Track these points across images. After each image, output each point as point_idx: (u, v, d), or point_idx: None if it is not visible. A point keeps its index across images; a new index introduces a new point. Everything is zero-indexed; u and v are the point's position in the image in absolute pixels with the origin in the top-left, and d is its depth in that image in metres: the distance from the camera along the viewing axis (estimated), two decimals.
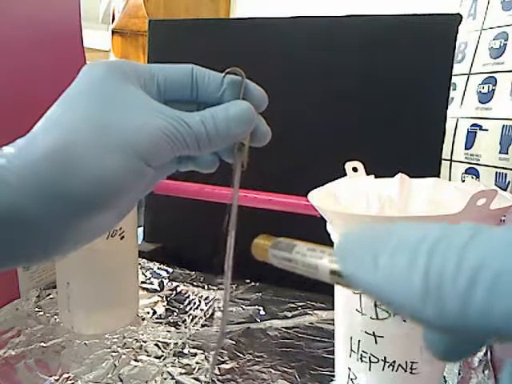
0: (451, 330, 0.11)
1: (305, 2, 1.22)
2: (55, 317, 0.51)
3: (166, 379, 0.41)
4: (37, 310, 0.52)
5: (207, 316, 0.52)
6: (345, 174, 0.39)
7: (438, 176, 0.53)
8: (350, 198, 0.37)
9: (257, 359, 0.44)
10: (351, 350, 0.34)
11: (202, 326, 0.50)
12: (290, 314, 0.53)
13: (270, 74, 0.61)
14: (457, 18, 0.52)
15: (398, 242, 0.12)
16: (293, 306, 0.55)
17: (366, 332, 0.32)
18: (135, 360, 0.44)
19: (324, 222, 0.34)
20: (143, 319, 0.51)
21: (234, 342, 0.47)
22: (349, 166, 0.39)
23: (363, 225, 0.13)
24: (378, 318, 0.31)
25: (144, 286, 0.60)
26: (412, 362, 0.32)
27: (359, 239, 0.13)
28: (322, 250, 0.15)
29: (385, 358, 0.32)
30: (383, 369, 0.32)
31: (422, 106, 0.54)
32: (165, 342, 0.47)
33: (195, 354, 0.45)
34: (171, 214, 0.68)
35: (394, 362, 0.32)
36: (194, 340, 0.47)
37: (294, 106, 0.59)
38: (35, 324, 0.49)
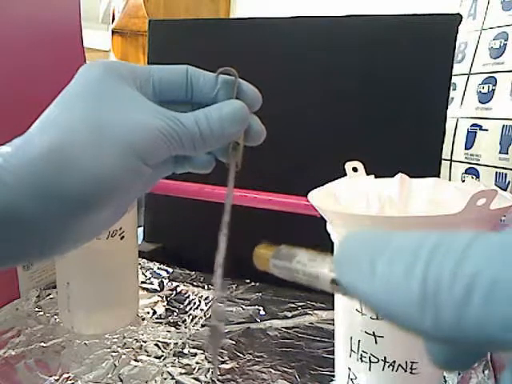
0: (448, 339, 0.11)
1: (305, 2, 1.22)
2: (55, 317, 0.51)
3: (165, 379, 0.41)
4: (37, 310, 0.52)
5: (207, 316, 0.52)
6: (345, 174, 0.39)
7: (438, 176, 0.53)
8: (350, 197, 0.37)
9: (257, 359, 0.44)
10: (351, 349, 0.34)
11: (202, 325, 0.50)
12: (290, 314, 0.53)
13: (270, 74, 0.61)
14: (457, 18, 0.52)
15: (396, 250, 0.11)
16: (293, 306, 0.55)
17: (365, 332, 0.32)
18: (135, 360, 0.44)
19: (324, 221, 0.34)
20: (143, 319, 0.51)
21: (233, 342, 0.47)
22: (349, 165, 0.39)
23: (360, 232, 0.13)
24: (377, 318, 0.31)
25: (144, 285, 0.60)
26: (412, 362, 0.32)
27: (356, 248, 0.13)
28: (323, 259, 0.15)
29: (385, 358, 0.32)
30: (383, 369, 0.32)
31: (422, 106, 0.54)
32: (165, 342, 0.47)
33: (195, 354, 0.45)
34: (171, 214, 0.68)
35: (394, 362, 0.32)
36: (193, 340, 0.47)
37: (294, 105, 0.59)
38: (35, 324, 0.49)
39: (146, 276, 0.62)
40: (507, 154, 0.77)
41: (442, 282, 0.10)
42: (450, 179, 0.89)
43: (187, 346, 0.46)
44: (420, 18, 0.54)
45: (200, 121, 0.23)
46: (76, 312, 0.48)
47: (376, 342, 0.32)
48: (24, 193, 0.20)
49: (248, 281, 0.60)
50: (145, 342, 0.47)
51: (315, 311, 0.53)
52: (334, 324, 0.37)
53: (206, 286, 0.60)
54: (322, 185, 0.37)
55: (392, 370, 0.32)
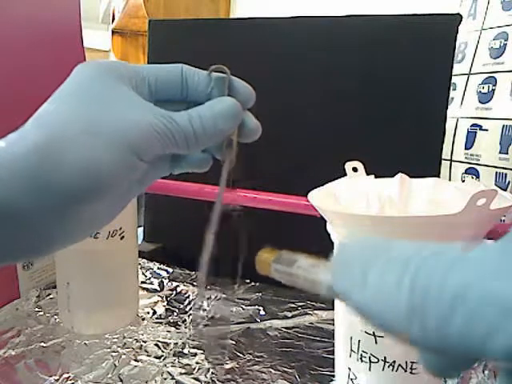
0: (435, 349, 0.11)
1: (305, 2, 1.22)
2: (55, 317, 0.51)
3: (165, 379, 0.41)
4: (37, 310, 0.52)
5: (209, 316, 0.52)
6: (345, 174, 0.39)
7: (438, 176, 0.53)
8: (350, 197, 0.37)
9: (257, 359, 0.44)
10: (351, 349, 0.34)
11: (203, 326, 0.50)
12: (290, 314, 0.53)
13: (270, 74, 0.61)
14: (457, 18, 0.52)
15: (387, 262, 0.12)
16: (293, 305, 0.55)
17: (365, 332, 0.32)
18: (135, 360, 0.44)
19: (324, 221, 0.34)
20: (143, 319, 0.51)
21: (234, 342, 0.47)
22: (349, 165, 0.39)
23: (356, 241, 0.13)
24: None
25: (144, 285, 0.60)
26: (412, 362, 0.32)
27: (350, 258, 0.13)
28: (323, 265, 0.15)
29: (385, 357, 0.32)
30: (383, 369, 0.32)
31: (422, 106, 0.54)
32: (165, 342, 0.47)
33: (195, 354, 0.45)
34: (171, 214, 0.68)
35: (394, 362, 0.32)
36: (194, 340, 0.47)
37: (294, 105, 0.59)
38: (35, 324, 0.49)
39: (146, 276, 0.62)
40: (507, 154, 0.77)
41: (428, 294, 0.10)
42: (449, 179, 0.89)
43: (187, 346, 0.46)
44: (420, 18, 0.54)
45: (193, 119, 0.24)
46: (76, 312, 0.48)
47: (376, 342, 0.32)
48: (18, 187, 0.20)
49: (248, 281, 0.60)
50: (145, 342, 0.47)
51: (315, 311, 0.53)
52: (333, 324, 0.37)
53: (207, 286, 0.59)
54: (322, 185, 0.37)
55: (392, 370, 0.32)
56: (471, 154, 0.85)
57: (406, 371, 0.32)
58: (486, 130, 0.82)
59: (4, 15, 0.51)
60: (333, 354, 0.39)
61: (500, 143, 0.78)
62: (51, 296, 0.55)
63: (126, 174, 0.22)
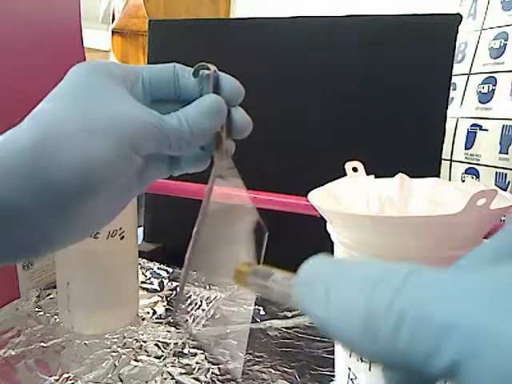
0: (388, 366, 0.12)
1: (305, 2, 1.22)
2: (55, 317, 0.51)
3: (166, 379, 0.41)
4: (37, 310, 0.52)
5: (209, 316, 0.52)
6: (345, 174, 0.39)
7: (438, 176, 0.53)
8: (350, 197, 0.37)
9: (257, 359, 0.44)
10: None
11: (204, 326, 0.50)
12: (289, 314, 0.53)
13: (269, 74, 0.61)
14: (457, 18, 0.52)
15: (346, 282, 0.12)
16: None
17: None
18: (135, 360, 0.44)
19: (324, 221, 0.34)
20: (143, 319, 0.51)
21: (235, 342, 0.47)
22: (349, 165, 0.39)
23: (319, 259, 0.14)
24: None
25: (144, 285, 0.60)
26: None
27: (314, 276, 0.14)
28: (294, 279, 0.15)
29: None
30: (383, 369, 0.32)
31: (422, 106, 0.54)
32: (165, 342, 0.47)
33: (195, 354, 0.45)
34: (171, 214, 0.68)
35: None
36: (194, 340, 0.47)
37: (294, 105, 0.59)
38: (35, 324, 0.49)
39: (146, 276, 0.62)
40: (507, 154, 0.77)
41: (378, 314, 0.11)
42: (450, 179, 0.89)
43: (187, 346, 0.46)
44: (420, 18, 0.54)
45: (181, 120, 0.24)
46: (76, 312, 0.48)
47: None
48: (14, 185, 0.20)
49: None
50: (145, 342, 0.47)
51: None
52: None
53: (207, 286, 0.59)
54: (322, 185, 0.37)
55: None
56: (471, 154, 0.85)
57: None
58: (486, 130, 0.82)
59: (4, 15, 0.51)
60: (333, 354, 0.39)
61: (500, 143, 0.78)
62: (51, 296, 0.55)
63: (123, 167, 0.22)
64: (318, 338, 0.48)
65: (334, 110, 0.58)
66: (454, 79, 0.56)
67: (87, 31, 0.65)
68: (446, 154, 0.87)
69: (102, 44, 1.71)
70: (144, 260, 0.66)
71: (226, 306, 0.54)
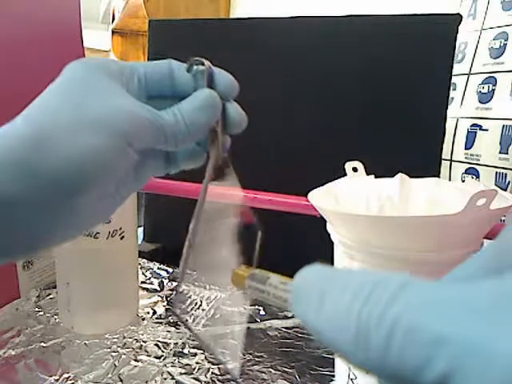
0: (380, 375, 0.12)
1: (305, 2, 1.22)
2: (55, 317, 0.51)
3: (166, 379, 0.41)
4: (37, 310, 0.52)
5: (209, 316, 0.52)
6: (345, 174, 0.39)
7: (438, 176, 0.53)
8: (350, 198, 0.37)
9: (257, 359, 0.44)
10: None
11: (204, 326, 0.50)
12: (290, 314, 0.53)
13: (269, 74, 0.61)
14: (457, 18, 0.52)
15: (341, 290, 0.13)
16: None
17: None
18: (135, 360, 0.44)
19: (324, 221, 0.34)
20: (143, 319, 0.51)
21: (235, 342, 0.47)
22: (349, 165, 0.39)
23: (315, 268, 0.14)
24: None
25: (144, 285, 0.60)
26: None
27: (309, 284, 0.14)
28: (291, 284, 0.15)
29: None
30: None
31: (422, 106, 0.54)
32: (165, 342, 0.47)
33: (195, 354, 0.45)
34: (171, 214, 0.68)
35: None
36: (194, 340, 0.47)
37: (294, 105, 0.59)
38: (35, 324, 0.49)
39: (146, 276, 0.62)
40: (507, 153, 0.77)
41: (370, 324, 0.11)
42: (449, 179, 0.89)
43: (187, 346, 0.46)
44: (420, 17, 0.54)
45: (177, 115, 0.24)
46: (76, 312, 0.48)
47: None
48: (6, 178, 0.20)
49: None
50: (145, 342, 0.47)
51: None
52: None
53: (207, 286, 0.59)
54: (322, 185, 0.37)
55: None
56: (471, 154, 0.85)
57: None
58: (486, 130, 0.82)
59: (4, 15, 0.51)
60: (333, 354, 0.39)
61: (500, 143, 0.78)
62: (51, 296, 0.55)
63: (117, 162, 0.22)
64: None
65: (334, 109, 0.58)
66: (454, 79, 0.56)
67: (87, 31, 0.65)
68: (446, 153, 0.87)
69: (102, 44, 1.71)
70: (144, 260, 0.66)
71: (226, 306, 0.54)
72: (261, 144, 0.57)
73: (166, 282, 0.61)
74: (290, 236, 0.59)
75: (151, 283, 0.60)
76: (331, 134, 0.58)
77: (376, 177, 0.39)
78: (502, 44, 0.79)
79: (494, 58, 0.81)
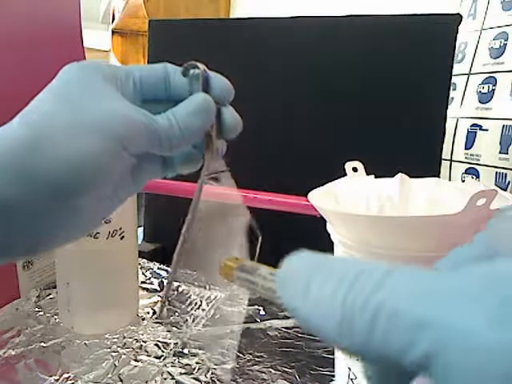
0: (365, 358, 0.12)
1: (305, 2, 1.22)
2: (55, 317, 0.51)
3: (166, 379, 0.41)
4: (37, 310, 0.52)
5: (209, 316, 0.52)
6: (345, 174, 0.39)
7: (438, 176, 0.53)
8: (350, 197, 0.37)
9: (257, 359, 0.44)
10: None
11: (204, 326, 0.50)
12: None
13: (269, 74, 0.61)
14: (457, 18, 0.52)
15: (326, 276, 0.13)
16: None
17: None
18: (135, 360, 0.44)
19: (324, 221, 0.34)
20: (143, 319, 0.51)
21: (235, 342, 0.47)
22: (349, 165, 0.39)
23: (301, 255, 0.14)
24: None
25: (144, 285, 0.60)
26: None
27: (296, 271, 0.14)
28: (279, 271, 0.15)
29: None
30: None
31: (422, 106, 0.54)
32: (165, 342, 0.47)
33: (195, 354, 0.45)
34: (171, 214, 0.68)
35: None
36: (194, 340, 0.47)
37: (294, 106, 0.59)
38: (35, 324, 0.49)
39: (145, 276, 0.62)
40: (507, 153, 0.77)
41: (355, 309, 0.11)
42: (449, 179, 0.89)
43: (187, 345, 0.46)
44: (420, 17, 0.54)
45: (171, 120, 0.24)
46: (76, 312, 0.48)
47: None
48: (4, 180, 0.20)
49: None
50: (145, 342, 0.47)
51: None
52: None
53: (207, 286, 0.59)
54: (322, 185, 0.37)
55: None
56: (471, 154, 0.85)
57: None
58: (486, 130, 0.82)
59: (4, 15, 0.51)
60: (333, 354, 0.39)
61: (500, 143, 0.78)
62: (51, 296, 0.55)
63: (113, 165, 0.22)
64: (317, 338, 0.48)
65: (334, 109, 0.58)
66: (454, 79, 0.56)
67: (87, 31, 0.65)
68: (446, 153, 0.87)
69: (102, 44, 1.71)
70: (144, 260, 0.66)
71: (226, 306, 0.54)
72: (261, 144, 0.57)
73: (166, 282, 0.61)
74: (290, 236, 0.59)
75: (151, 283, 0.60)
76: (331, 133, 0.58)
77: (376, 177, 0.39)
78: (501, 44, 0.79)
79: (494, 58, 0.81)
